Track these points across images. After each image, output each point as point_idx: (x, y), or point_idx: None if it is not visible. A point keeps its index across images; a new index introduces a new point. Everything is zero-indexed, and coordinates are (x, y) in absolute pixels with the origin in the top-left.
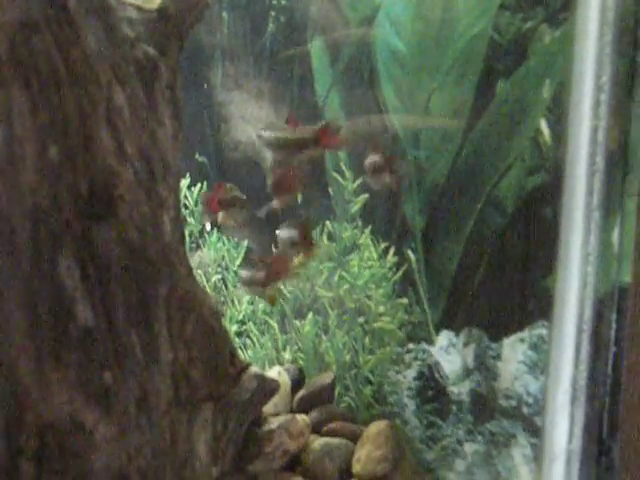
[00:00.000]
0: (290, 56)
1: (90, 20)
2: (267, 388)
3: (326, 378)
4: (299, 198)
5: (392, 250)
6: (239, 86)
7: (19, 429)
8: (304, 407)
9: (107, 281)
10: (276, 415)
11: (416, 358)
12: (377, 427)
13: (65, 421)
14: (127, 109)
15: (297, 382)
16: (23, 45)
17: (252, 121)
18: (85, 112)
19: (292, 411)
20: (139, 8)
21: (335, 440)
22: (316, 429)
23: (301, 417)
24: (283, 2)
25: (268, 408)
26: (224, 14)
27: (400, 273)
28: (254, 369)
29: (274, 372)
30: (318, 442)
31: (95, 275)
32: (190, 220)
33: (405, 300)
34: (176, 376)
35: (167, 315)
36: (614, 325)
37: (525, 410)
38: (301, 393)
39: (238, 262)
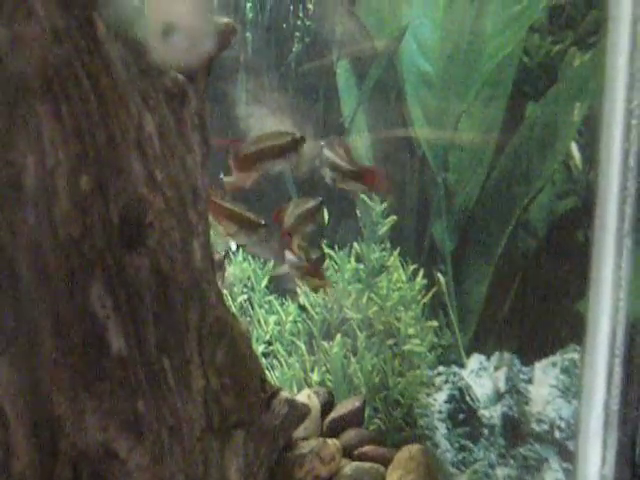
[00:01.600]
0: (315, 74)
1: (119, 48)
2: (298, 413)
3: (356, 401)
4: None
5: (421, 272)
6: (264, 102)
7: (53, 458)
8: (334, 430)
9: (139, 309)
10: (306, 439)
11: (447, 381)
12: (408, 451)
13: (98, 450)
14: (157, 136)
15: (327, 405)
16: (55, 77)
17: None
18: (116, 140)
19: (322, 434)
20: None
21: (366, 465)
22: (347, 453)
23: (332, 441)
24: (308, 23)
25: (298, 432)
26: (248, 34)
27: (430, 295)
28: (284, 394)
29: (304, 395)
30: (349, 467)
31: (127, 303)
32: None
33: (435, 323)
34: (208, 403)
35: (198, 341)
36: None
37: (558, 434)
38: (331, 416)
39: (264, 283)
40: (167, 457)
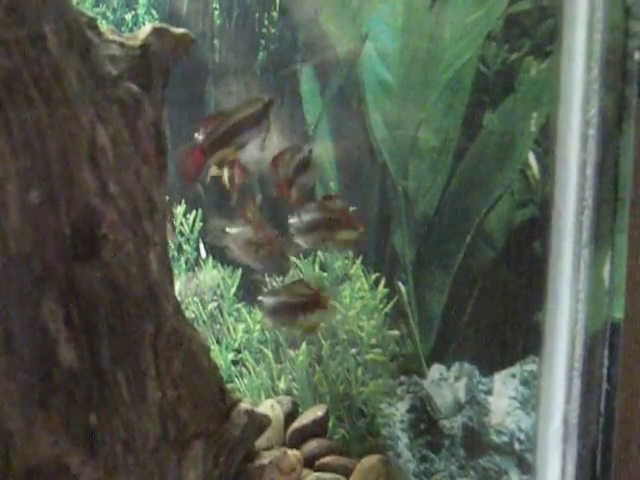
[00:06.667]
0: (280, 82)
1: (72, 60)
2: (258, 424)
3: (318, 411)
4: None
5: (383, 281)
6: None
7: (4, 473)
8: (297, 440)
9: (92, 322)
10: (269, 449)
11: (408, 391)
12: (369, 462)
13: (51, 464)
14: (110, 148)
15: (291, 414)
16: (2, 89)
17: None
18: (67, 153)
19: (285, 444)
20: (122, 45)
21: (327, 475)
22: (309, 462)
23: (292, 452)
24: (273, 31)
25: (261, 442)
26: (215, 41)
27: (391, 305)
28: (244, 405)
29: (267, 405)
30: (310, 477)
31: (79, 317)
32: (186, 247)
33: (396, 332)
34: (164, 415)
35: (154, 353)
36: (606, 362)
37: (517, 446)
38: (294, 426)
39: (233, 290)
40: (121, 470)
